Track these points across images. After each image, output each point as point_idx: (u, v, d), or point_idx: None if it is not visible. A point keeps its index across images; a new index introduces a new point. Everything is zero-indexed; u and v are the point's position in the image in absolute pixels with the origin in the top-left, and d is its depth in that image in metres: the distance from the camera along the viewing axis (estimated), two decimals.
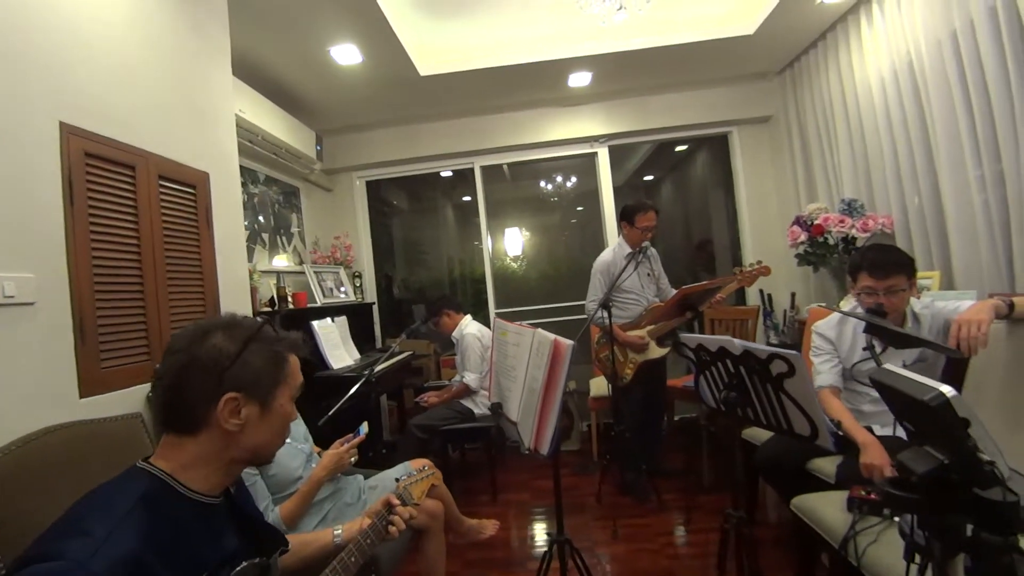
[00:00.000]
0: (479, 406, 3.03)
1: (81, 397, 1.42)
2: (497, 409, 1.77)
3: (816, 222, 2.92)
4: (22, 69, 1.32)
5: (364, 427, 1.78)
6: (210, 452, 0.86)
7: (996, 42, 2.08)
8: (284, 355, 0.93)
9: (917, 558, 0.79)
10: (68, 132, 1.43)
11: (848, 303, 2.09)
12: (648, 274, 2.95)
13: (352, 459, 1.68)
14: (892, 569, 1.23)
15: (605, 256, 2.93)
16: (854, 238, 2.81)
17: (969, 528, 0.68)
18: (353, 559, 1.13)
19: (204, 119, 2.05)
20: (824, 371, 1.90)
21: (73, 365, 1.41)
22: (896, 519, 1.33)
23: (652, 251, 2.97)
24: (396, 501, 1.23)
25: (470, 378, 3.03)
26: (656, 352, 2.81)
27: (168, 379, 0.85)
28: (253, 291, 2.64)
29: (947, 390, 0.65)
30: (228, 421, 0.84)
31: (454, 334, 3.20)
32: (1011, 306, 1.49)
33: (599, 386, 3.40)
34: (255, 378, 0.87)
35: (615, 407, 2.80)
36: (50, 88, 1.39)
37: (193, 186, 1.94)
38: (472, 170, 4.25)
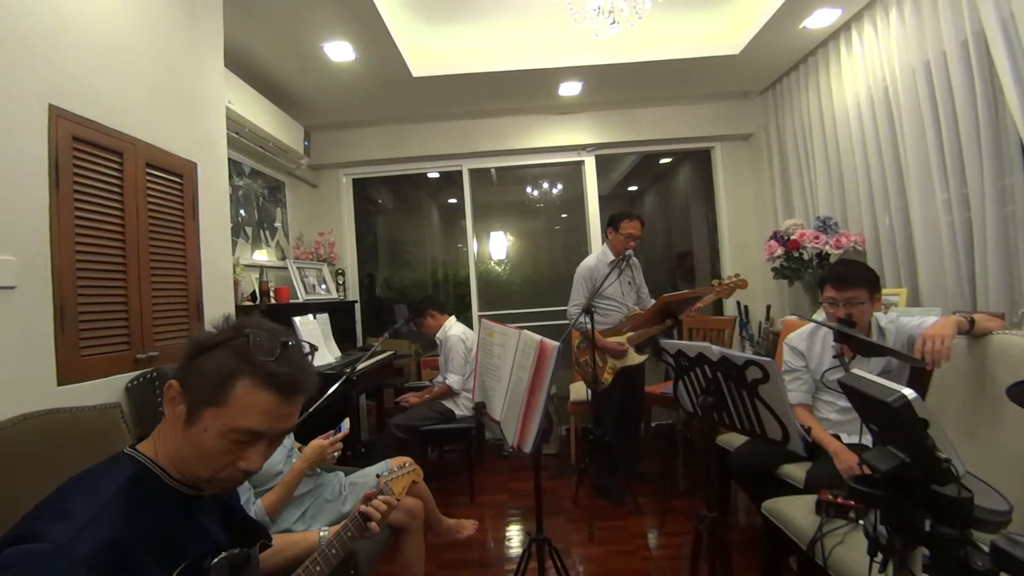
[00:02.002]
0: (460, 407, 3.04)
1: (59, 384, 1.40)
2: (480, 408, 1.79)
3: (792, 237, 3.02)
4: (13, 50, 1.30)
5: (345, 424, 1.78)
6: (178, 441, 0.83)
7: (966, 73, 2.20)
8: (234, 376, 0.78)
9: (879, 555, 0.84)
10: (57, 115, 1.41)
11: (820, 316, 2.18)
12: (629, 282, 3.01)
13: (335, 453, 1.68)
14: (857, 568, 1.28)
15: (589, 262, 2.98)
16: (828, 254, 2.91)
17: (927, 523, 0.73)
18: (334, 551, 1.14)
19: (194, 108, 2.03)
20: (793, 389, 1.99)
21: (52, 352, 1.38)
22: (861, 521, 1.40)
23: (634, 260, 3.03)
24: (373, 492, 1.23)
25: (453, 379, 3.04)
26: (635, 359, 2.87)
27: None
28: (236, 284, 2.61)
29: (908, 392, 0.70)
30: (168, 407, 0.82)
31: (438, 335, 3.21)
32: (972, 322, 1.58)
33: (578, 391, 3.44)
34: (197, 381, 0.80)
35: (594, 411, 2.84)
36: (41, 70, 1.38)
37: (180, 175, 1.92)
38: (460, 172, 4.27)
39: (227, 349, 0.81)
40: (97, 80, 1.56)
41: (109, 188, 1.59)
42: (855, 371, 0.86)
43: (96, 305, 1.53)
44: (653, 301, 2.96)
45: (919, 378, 1.75)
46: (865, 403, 0.80)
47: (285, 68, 3.06)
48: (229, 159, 2.30)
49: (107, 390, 1.53)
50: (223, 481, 0.83)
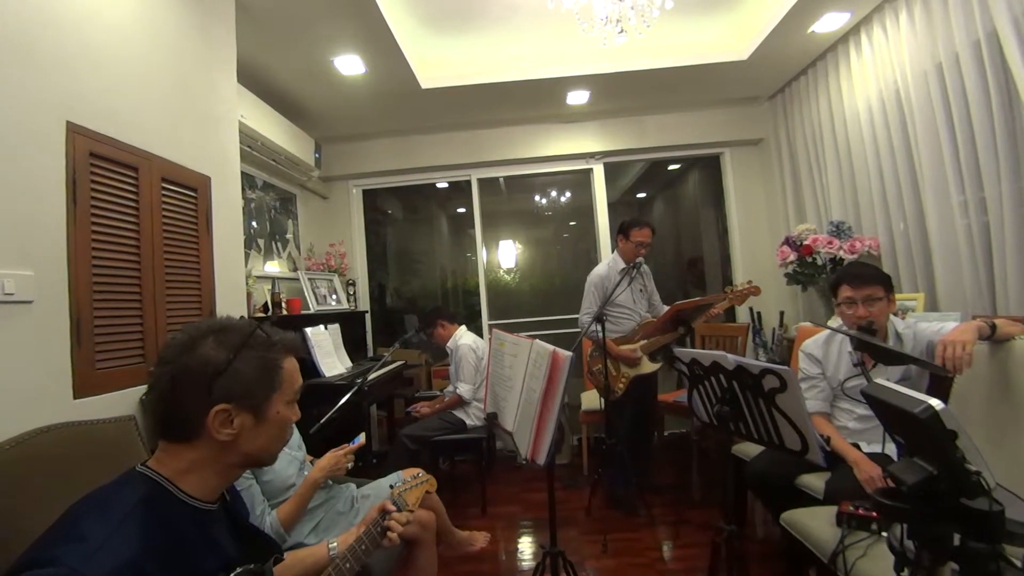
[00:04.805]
0: (471, 417, 3.03)
1: (75, 398, 1.41)
2: (492, 419, 1.78)
3: (805, 243, 2.99)
4: (30, 68, 1.33)
5: (360, 437, 1.78)
6: (207, 458, 0.84)
7: (979, 74, 2.17)
8: (278, 361, 0.89)
9: (906, 571, 0.81)
10: (74, 131, 1.44)
11: (835, 322, 2.15)
12: (641, 290, 3.00)
13: (348, 464, 1.67)
14: None
15: (600, 270, 2.97)
16: (842, 259, 2.87)
17: (956, 537, 0.71)
18: (348, 565, 1.13)
19: (208, 123, 2.06)
20: (811, 397, 1.95)
21: (68, 365, 1.40)
22: (884, 534, 1.36)
23: (645, 268, 3.02)
24: (392, 508, 1.22)
25: (463, 389, 3.03)
26: (648, 367, 2.84)
27: (159, 390, 0.83)
28: (248, 296, 2.63)
29: (936, 403, 0.68)
30: (220, 432, 0.82)
31: (448, 344, 3.20)
32: (993, 327, 1.54)
33: (590, 400, 3.41)
34: (247, 388, 0.84)
35: (607, 421, 2.82)
36: (58, 87, 1.40)
37: (195, 189, 1.94)
38: (468, 182, 4.29)
39: (252, 349, 0.86)
40: (113, 97, 1.59)
41: (125, 203, 1.62)
42: (878, 380, 0.84)
43: (112, 318, 1.55)
44: (666, 308, 2.94)
45: (939, 386, 1.71)
46: (890, 414, 0.78)
47: (296, 82, 3.10)
48: (242, 172, 2.32)
49: (122, 403, 1.54)
50: (286, 442, 0.95)
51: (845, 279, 1.82)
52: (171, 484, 0.82)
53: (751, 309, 3.73)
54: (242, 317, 0.94)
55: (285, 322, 2.90)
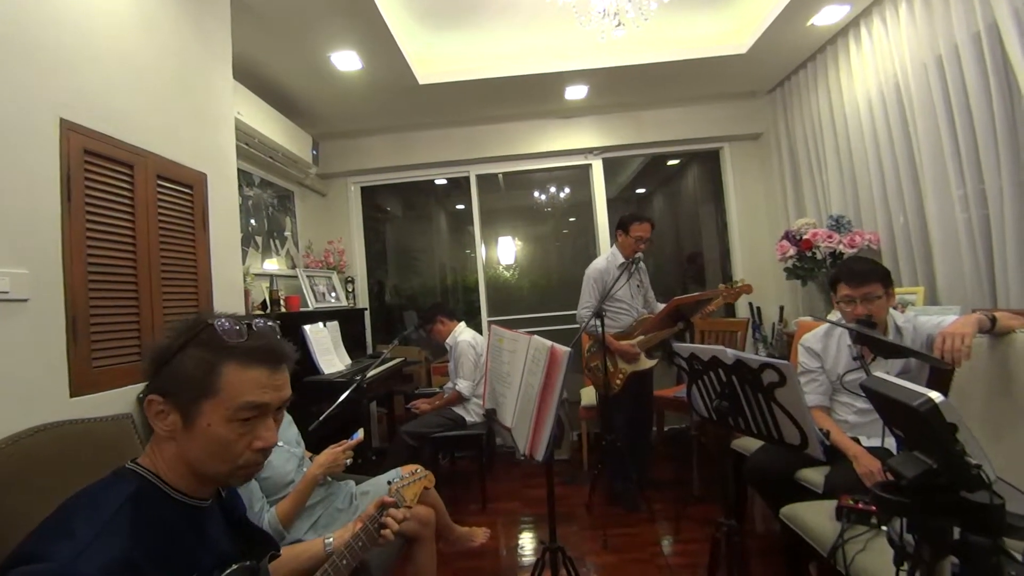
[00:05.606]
0: (471, 414, 3.03)
1: (71, 396, 1.40)
2: (491, 415, 1.78)
3: (805, 237, 2.98)
4: (24, 64, 1.32)
5: (359, 433, 1.77)
6: (178, 453, 0.82)
7: (979, 66, 2.16)
8: (215, 365, 0.79)
9: (906, 565, 0.81)
10: (68, 129, 1.42)
11: (834, 316, 2.14)
12: (638, 285, 2.99)
13: (347, 461, 1.67)
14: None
15: (599, 264, 2.96)
16: (841, 253, 2.86)
17: (956, 531, 0.70)
18: (344, 562, 1.12)
19: (204, 120, 2.05)
20: (810, 391, 1.94)
21: (64, 364, 1.39)
22: (884, 528, 1.36)
23: (642, 265, 3.01)
24: (390, 500, 1.22)
25: (463, 385, 3.02)
26: (645, 363, 2.84)
27: None
28: (246, 294, 2.62)
29: (936, 396, 0.68)
30: (156, 423, 0.81)
31: (448, 341, 3.20)
32: (993, 321, 1.54)
33: (590, 396, 3.42)
34: (178, 385, 0.79)
35: (603, 418, 2.81)
36: (52, 84, 1.39)
37: (191, 187, 1.93)
38: (467, 178, 4.28)
39: (196, 346, 0.81)
40: (107, 94, 1.58)
41: (120, 200, 1.61)
42: (877, 374, 0.83)
43: (108, 316, 1.54)
44: (660, 305, 2.93)
45: (939, 379, 1.70)
46: (889, 407, 0.78)
47: (293, 79, 3.09)
48: (239, 170, 2.31)
49: (119, 401, 1.54)
50: (246, 468, 0.83)
51: (843, 277, 1.80)
52: (160, 480, 0.81)
53: (750, 304, 3.73)
54: (227, 314, 0.87)
55: (284, 319, 2.89)
